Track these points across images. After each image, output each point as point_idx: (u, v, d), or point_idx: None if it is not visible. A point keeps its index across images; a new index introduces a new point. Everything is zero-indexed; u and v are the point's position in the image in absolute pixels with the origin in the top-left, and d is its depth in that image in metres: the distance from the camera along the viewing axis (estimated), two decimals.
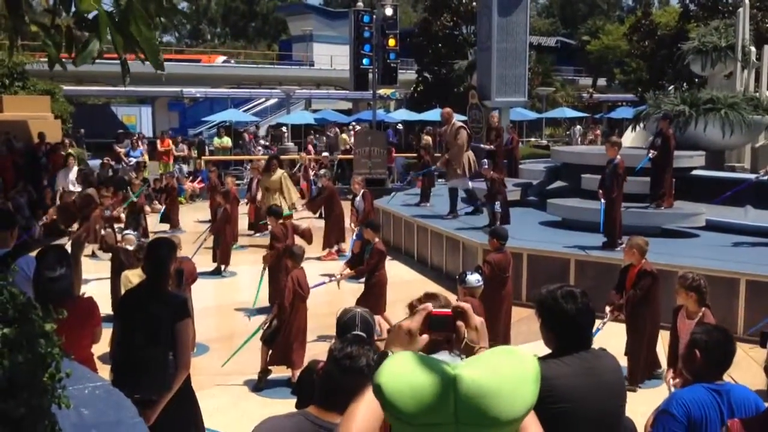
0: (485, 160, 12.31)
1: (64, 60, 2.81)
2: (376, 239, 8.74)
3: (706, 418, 3.20)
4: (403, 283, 9.65)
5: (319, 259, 12.96)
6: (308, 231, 10.13)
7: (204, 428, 4.76)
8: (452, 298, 6.40)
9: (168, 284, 4.67)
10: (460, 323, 1.70)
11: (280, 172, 13.44)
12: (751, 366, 7.58)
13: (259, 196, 14.20)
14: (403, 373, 1.23)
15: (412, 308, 3.17)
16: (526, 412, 1.21)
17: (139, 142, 23.11)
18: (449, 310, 1.74)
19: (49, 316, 2.16)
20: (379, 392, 1.23)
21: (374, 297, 8.65)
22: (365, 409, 1.53)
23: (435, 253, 12.34)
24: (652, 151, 11.34)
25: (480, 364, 1.25)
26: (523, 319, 8.87)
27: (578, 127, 32.99)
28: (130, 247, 9.19)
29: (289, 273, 7.37)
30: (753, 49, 15.71)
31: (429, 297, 3.59)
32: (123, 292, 6.67)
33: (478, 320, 1.72)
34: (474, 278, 6.64)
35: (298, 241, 9.75)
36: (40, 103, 19.97)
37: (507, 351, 1.30)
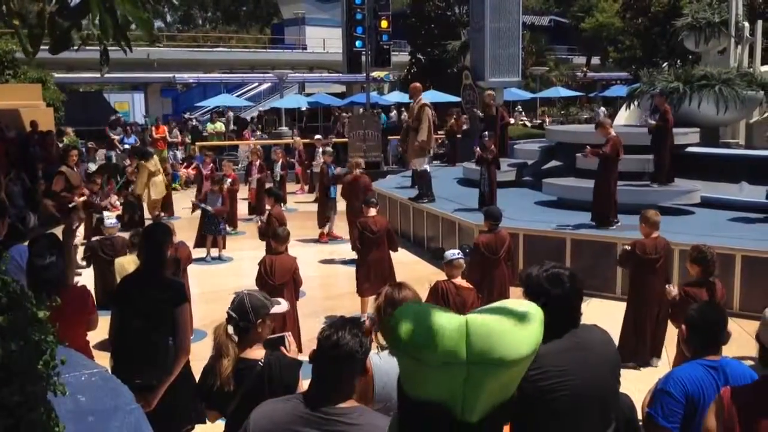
0: (486, 132, 12.23)
1: (42, 47, 2.77)
2: (371, 212, 8.77)
3: (704, 395, 3.20)
4: (400, 264, 9.68)
5: (319, 241, 13.08)
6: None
7: (204, 413, 4.76)
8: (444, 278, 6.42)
9: (165, 269, 4.67)
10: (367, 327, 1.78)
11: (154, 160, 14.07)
12: (749, 342, 7.62)
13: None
14: (420, 316, 1.27)
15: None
16: (530, 353, 1.27)
17: (130, 129, 23.00)
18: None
19: (43, 303, 2.15)
20: (395, 334, 1.26)
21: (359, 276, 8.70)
22: None
23: (431, 234, 12.35)
24: (650, 122, 11.42)
25: (487, 309, 1.32)
26: (519, 298, 8.89)
27: (602, 108, 32.52)
28: (112, 236, 9.24)
29: (271, 254, 7.20)
30: (746, 24, 15.62)
31: (397, 287, 3.58)
32: (118, 279, 6.65)
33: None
34: (449, 253, 6.48)
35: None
36: (32, 92, 19.84)
37: (512, 300, 1.39)
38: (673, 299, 5.74)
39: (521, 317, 1.29)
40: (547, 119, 30.94)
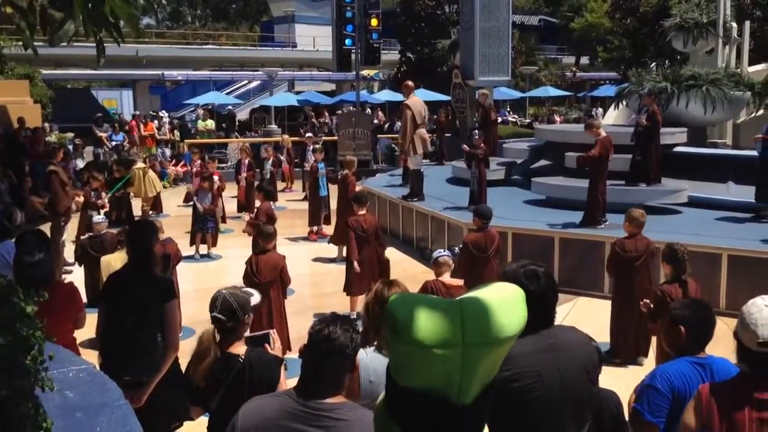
0: (476, 131, 12.25)
1: (38, 42, 2.76)
2: (362, 210, 8.76)
3: (690, 391, 3.22)
4: (390, 263, 9.70)
5: (308, 239, 13.06)
6: None
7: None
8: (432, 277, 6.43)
9: (154, 266, 4.66)
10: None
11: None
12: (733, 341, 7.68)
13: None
14: (414, 301, 1.30)
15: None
16: (519, 330, 1.31)
17: (118, 126, 22.86)
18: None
19: (31, 299, 2.14)
20: (393, 321, 1.27)
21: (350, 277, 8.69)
22: None
23: (420, 233, 12.36)
24: (639, 123, 11.45)
25: (476, 291, 1.35)
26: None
27: (599, 109, 32.41)
28: (101, 232, 9.19)
29: (259, 253, 7.15)
30: (734, 25, 15.72)
31: (388, 284, 3.63)
32: (105, 277, 6.62)
33: None
34: (435, 253, 6.50)
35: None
36: (19, 88, 19.72)
37: (496, 283, 1.42)
38: (647, 306, 5.71)
39: (508, 296, 1.33)
40: (558, 118, 30.31)
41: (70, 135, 22.21)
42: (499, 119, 22.23)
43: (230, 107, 31.67)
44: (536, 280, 2.79)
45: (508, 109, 34.91)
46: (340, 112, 28.23)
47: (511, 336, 1.28)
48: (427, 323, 1.24)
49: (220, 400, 3.42)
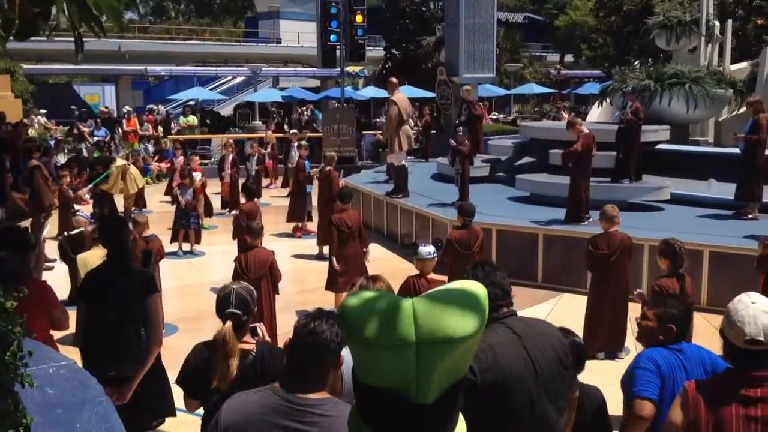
0: (461, 128, 12.27)
1: (12, 37, 2.72)
2: (346, 207, 8.75)
3: (673, 374, 3.29)
4: (374, 260, 9.69)
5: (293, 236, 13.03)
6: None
7: (174, 406, 4.73)
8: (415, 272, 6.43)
9: (131, 260, 4.64)
10: None
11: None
12: (716, 335, 7.74)
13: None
14: (366, 300, 1.29)
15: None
16: (476, 330, 1.27)
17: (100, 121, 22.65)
18: None
19: (9, 294, 2.11)
20: (345, 320, 1.27)
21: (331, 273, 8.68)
22: None
23: (405, 229, 12.36)
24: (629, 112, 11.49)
25: (435, 290, 1.33)
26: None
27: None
28: (80, 229, 9.09)
29: (245, 250, 7.13)
30: (717, 23, 15.85)
31: (372, 279, 3.64)
32: (82, 274, 6.54)
33: None
34: (425, 250, 6.36)
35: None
36: None
37: (460, 281, 1.39)
38: (641, 297, 5.73)
39: (467, 295, 1.30)
40: (564, 114, 29.78)
41: (85, 130, 21.98)
42: (503, 116, 22.06)
43: (192, 102, 31.08)
44: (480, 269, 3.00)
45: (485, 103, 34.84)
46: (303, 108, 28.21)
47: (467, 335, 1.25)
48: (377, 323, 1.23)
49: (224, 393, 3.37)
